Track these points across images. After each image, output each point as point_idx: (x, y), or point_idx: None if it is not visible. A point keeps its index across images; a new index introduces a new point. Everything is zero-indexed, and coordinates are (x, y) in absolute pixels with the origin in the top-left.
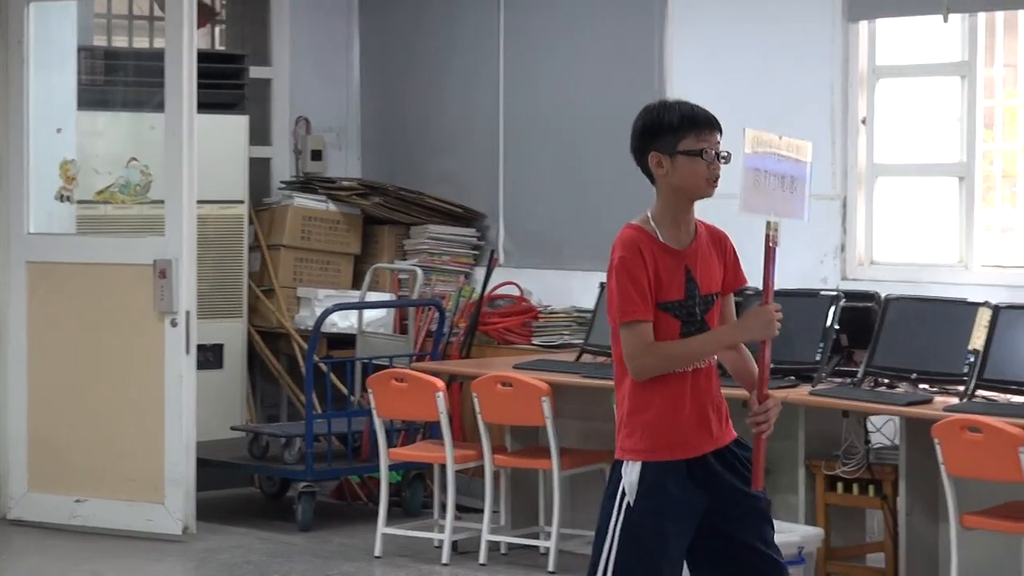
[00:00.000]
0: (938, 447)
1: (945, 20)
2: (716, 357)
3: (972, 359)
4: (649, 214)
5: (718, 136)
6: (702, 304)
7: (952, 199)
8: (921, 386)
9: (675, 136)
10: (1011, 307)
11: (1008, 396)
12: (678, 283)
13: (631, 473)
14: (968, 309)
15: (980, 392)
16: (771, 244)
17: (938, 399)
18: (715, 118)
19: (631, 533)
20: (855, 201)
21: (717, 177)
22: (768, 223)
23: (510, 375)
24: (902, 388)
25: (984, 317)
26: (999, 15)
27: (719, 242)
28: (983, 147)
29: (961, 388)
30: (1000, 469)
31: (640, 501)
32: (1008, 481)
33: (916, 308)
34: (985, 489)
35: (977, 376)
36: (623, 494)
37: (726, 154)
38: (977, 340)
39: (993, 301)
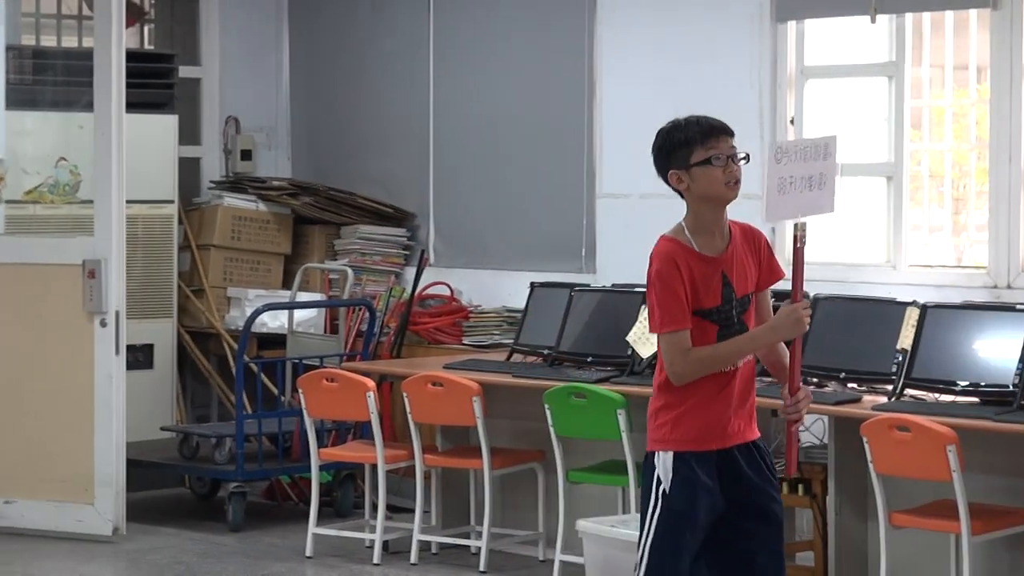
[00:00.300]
0: (867, 446)
1: (872, 21)
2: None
3: (900, 358)
4: (683, 224)
5: (729, 140)
6: (738, 307)
7: (880, 199)
8: (850, 385)
9: (686, 151)
10: (939, 306)
11: (936, 395)
12: (715, 290)
13: (664, 463)
14: (896, 309)
15: (908, 391)
16: (799, 245)
17: (867, 398)
18: (722, 124)
19: (667, 520)
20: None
21: (737, 180)
22: (796, 225)
23: (441, 375)
24: (831, 387)
25: (912, 317)
26: (926, 16)
27: (753, 241)
28: (911, 147)
29: (890, 387)
30: (928, 468)
31: (675, 490)
32: (936, 480)
33: (845, 308)
34: (914, 488)
35: (905, 375)
36: (659, 482)
37: (744, 155)
38: (905, 339)
39: (921, 301)
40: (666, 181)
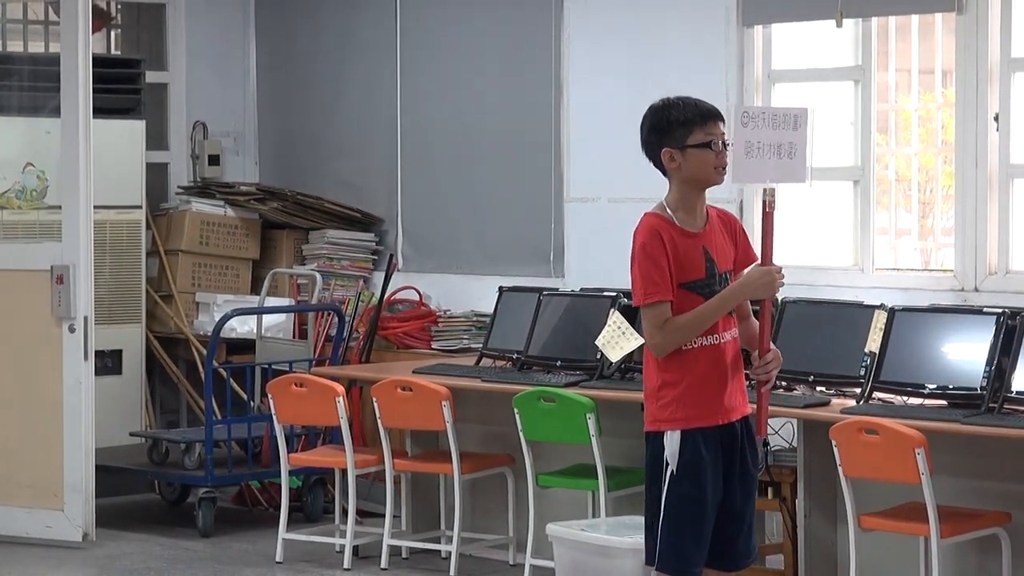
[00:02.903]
0: (836, 449)
1: (839, 25)
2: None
3: (868, 361)
4: (664, 202)
5: (722, 126)
6: (721, 281)
7: (847, 203)
8: (818, 388)
9: (684, 131)
10: (906, 309)
11: (904, 398)
12: (698, 263)
13: (672, 443)
14: (864, 312)
15: (877, 394)
16: (768, 209)
17: (835, 401)
18: (716, 108)
19: (678, 500)
20: (751, 204)
21: (725, 165)
22: (764, 190)
23: (410, 380)
24: (799, 390)
25: (880, 320)
26: (892, 20)
27: (728, 223)
28: (877, 151)
29: (858, 390)
30: (897, 470)
31: (683, 469)
32: (905, 482)
33: (813, 311)
34: (882, 490)
35: (873, 378)
36: (666, 464)
37: (732, 143)
38: (873, 343)
39: (889, 304)
40: (653, 158)
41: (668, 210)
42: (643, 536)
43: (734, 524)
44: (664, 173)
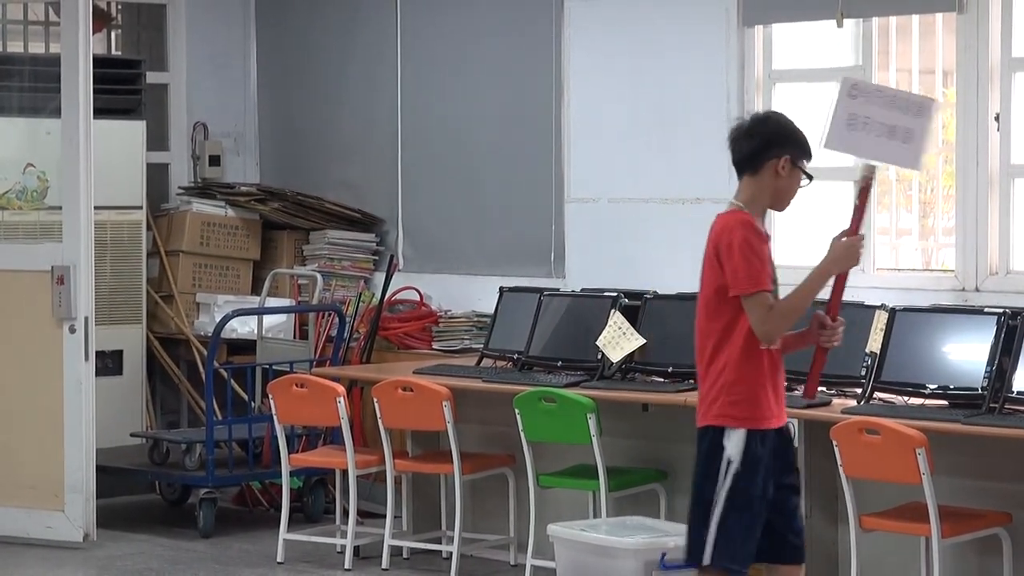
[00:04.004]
0: (837, 449)
1: (839, 25)
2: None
3: (869, 362)
4: (743, 204)
5: None
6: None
7: (847, 203)
8: (819, 388)
9: (803, 153)
10: (907, 310)
11: (905, 398)
12: (773, 266)
13: (736, 440)
14: (865, 312)
15: (877, 394)
16: (865, 184)
17: (836, 401)
18: None
19: (739, 497)
20: None
21: None
22: (864, 165)
23: (410, 380)
24: (800, 391)
25: (881, 320)
26: (892, 20)
27: None
28: None
29: (859, 390)
30: (898, 471)
31: (746, 466)
32: (906, 483)
33: (812, 311)
34: (883, 491)
35: (874, 378)
36: (728, 460)
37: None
38: (874, 343)
39: (889, 304)
40: (754, 154)
41: (748, 211)
42: (643, 537)
43: (785, 519)
44: (747, 172)
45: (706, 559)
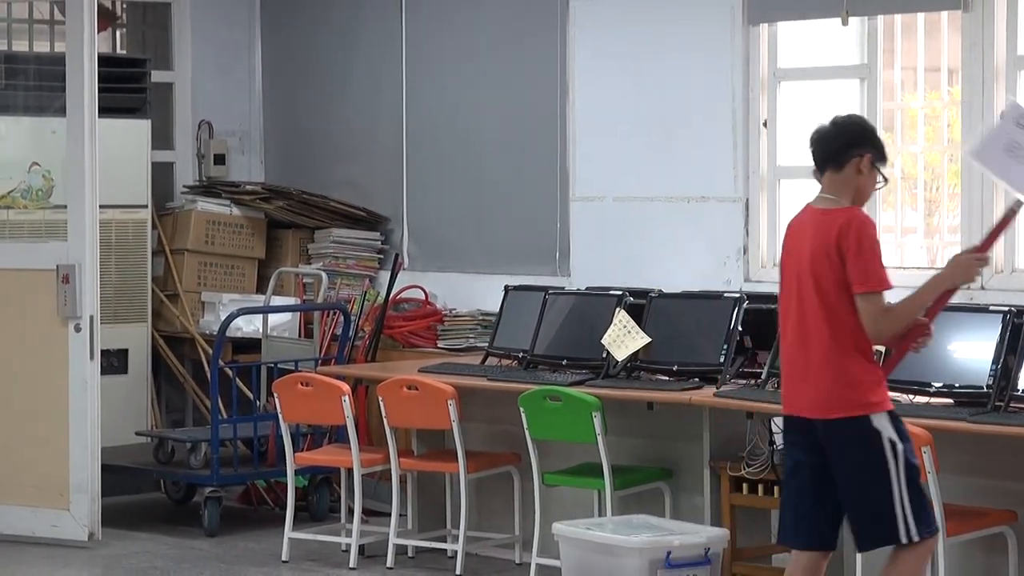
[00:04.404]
0: None
1: (844, 23)
2: None
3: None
4: (833, 198)
5: None
6: None
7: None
8: None
9: (882, 156)
10: None
11: (911, 396)
12: None
13: (886, 422)
14: None
15: None
16: (1010, 214)
17: None
18: None
19: (910, 472)
20: (757, 203)
21: None
22: (1016, 200)
23: (415, 379)
24: None
25: None
26: (897, 18)
27: None
28: None
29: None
30: None
31: (903, 443)
32: None
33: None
34: None
35: None
36: (891, 442)
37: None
38: None
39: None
40: (840, 151)
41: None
42: (648, 535)
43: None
44: (830, 168)
45: (913, 535)
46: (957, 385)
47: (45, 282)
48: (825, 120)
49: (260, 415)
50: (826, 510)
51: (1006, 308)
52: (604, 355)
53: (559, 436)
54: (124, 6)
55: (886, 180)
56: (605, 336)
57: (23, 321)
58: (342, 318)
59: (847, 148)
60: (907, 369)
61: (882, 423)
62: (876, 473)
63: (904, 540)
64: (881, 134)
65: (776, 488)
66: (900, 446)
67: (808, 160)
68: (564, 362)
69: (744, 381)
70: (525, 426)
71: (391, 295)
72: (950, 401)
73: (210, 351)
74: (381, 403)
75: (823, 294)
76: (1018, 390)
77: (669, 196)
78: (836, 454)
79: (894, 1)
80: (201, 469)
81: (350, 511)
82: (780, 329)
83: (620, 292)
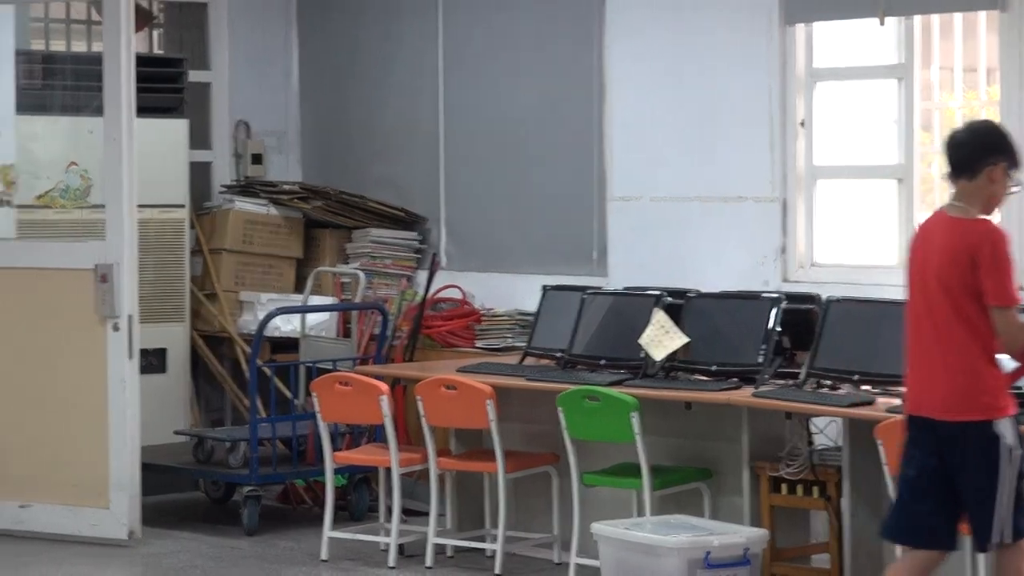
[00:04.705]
0: (881, 448)
1: (881, 23)
2: None
3: None
4: (965, 206)
5: None
6: None
7: (891, 201)
8: (863, 387)
9: (1015, 162)
10: None
11: None
12: None
13: (1009, 428)
14: None
15: None
16: None
17: (880, 400)
18: None
19: (1021, 477)
20: (795, 203)
21: None
22: None
23: (454, 378)
24: (844, 389)
25: None
26: (935, 18)
27: None
28: (920, 149)
29: (903, 389)
30: None
31: (1021, 447)
32: None
33: (857, 310)
34: None
35: None
36: (1011, 448)
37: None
38: None
39: None
40: (972, 159)
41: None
42: (687, 535)
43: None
44: (964, 176)
45: (1007, 538)
46: None
47: (83, 281)
48: (957, 124)
49: (298, 414)
50: (946, 510)
51: None
52: (642, 355)
53: (597, 436)
54: (161, 6)
55: (1019, 185)
56: (643, 336)
57: (62, 320)
58: (380, 317)
59: (981, 157)
60: None
61: (1006, 428)
62: (991, 476)
63: (996, 540)
64: (918, 134)
65: (815, 489)
66: (1021, 452)
67: (845, 159)
68: (602, 362)
69: (782, 381)
70: (563, 426)
71: (429, 295)
72: None
73: (248, 350)
74: (419, 403)
75: (954, 300)
76: None
77: (706, 196)
78: (959, 456)
79: (931, 1)
80: (240, 468)
81: (389, 511)
82: (908, 331)
83: (658, 292)
